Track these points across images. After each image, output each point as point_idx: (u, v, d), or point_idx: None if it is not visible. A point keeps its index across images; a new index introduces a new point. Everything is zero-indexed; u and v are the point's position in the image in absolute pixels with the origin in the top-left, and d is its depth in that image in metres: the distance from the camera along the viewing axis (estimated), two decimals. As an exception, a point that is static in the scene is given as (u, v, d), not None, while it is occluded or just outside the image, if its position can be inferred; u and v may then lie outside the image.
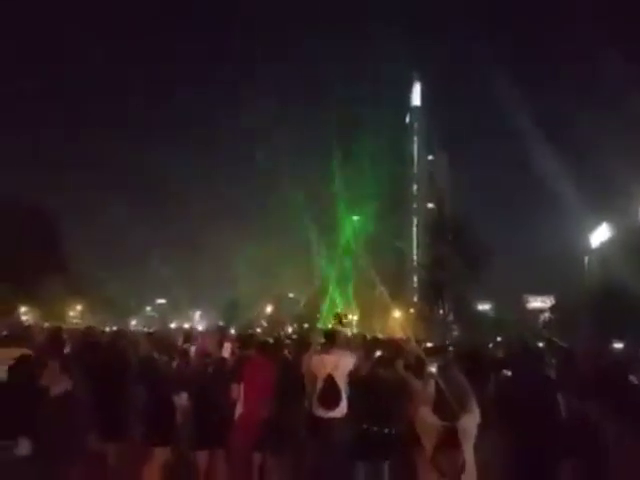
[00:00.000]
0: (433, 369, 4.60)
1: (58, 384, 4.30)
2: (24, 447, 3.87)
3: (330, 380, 5.77)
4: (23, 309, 45.49)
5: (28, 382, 4.51)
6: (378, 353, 6.65)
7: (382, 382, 5.48)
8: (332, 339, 6.30)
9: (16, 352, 5.25)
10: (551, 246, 56.20)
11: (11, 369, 4.83)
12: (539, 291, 58.31)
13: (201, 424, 5.70)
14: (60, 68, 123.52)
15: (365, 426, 5.29)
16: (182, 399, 5.77)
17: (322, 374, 5.82)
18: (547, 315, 49.96)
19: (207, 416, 5.66)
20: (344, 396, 5.78)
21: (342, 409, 5.76)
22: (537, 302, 58.27)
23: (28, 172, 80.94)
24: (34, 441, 3.98)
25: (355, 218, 55.33)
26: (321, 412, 5.76)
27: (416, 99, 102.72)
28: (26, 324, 27.46)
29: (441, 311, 50.40)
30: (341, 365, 5.88)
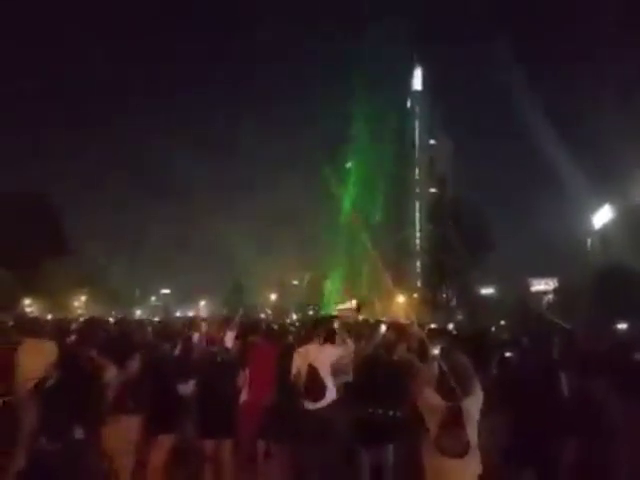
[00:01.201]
0: (436, 351, 4.61)
1: (107, 370, 4.57)
2: (79, 432, 4.29)
3: (312, 371, 5.55)
4: (27, 301, 45.56)
5: (79, 371, 4.59)
6: (383, 329, 6.62)
7: (386, 364, 5.45)
8: (316, 328, 6.11)
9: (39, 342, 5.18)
10: (554, 228, 55.90)
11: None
12: (542, 273, 58.13)
13: (207, 413, 5.65)
14: (60, 68, 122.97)
15: (370, 410, 5.20)
16: (189, 386, 5.71)
17: (304, 365, 5.61)
18: (550, 297, 49.84)
19: (213, 405, 5.60)
20: (330, 386, 5.60)
21: (328, 399, 5.56)
22: (541, 285, 58.00)
23: (28, 172, 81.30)
24: (85, 425, 4.40)
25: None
26: (308, 404, 5.56)
27: (417, 83, 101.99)
28: (30, 315, 27.58)
29: (444, 295, 50.49)
30: (322, 355, 5.66)
